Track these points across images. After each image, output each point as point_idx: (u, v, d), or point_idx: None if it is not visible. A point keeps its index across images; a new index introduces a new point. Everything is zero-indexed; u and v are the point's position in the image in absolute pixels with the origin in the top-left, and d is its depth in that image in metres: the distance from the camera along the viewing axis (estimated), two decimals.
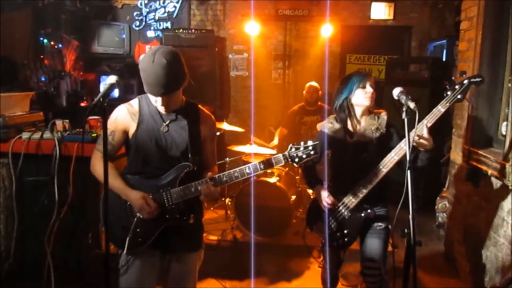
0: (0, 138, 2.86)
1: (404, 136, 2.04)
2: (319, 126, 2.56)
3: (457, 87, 2.15)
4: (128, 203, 2.03)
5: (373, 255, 2.40)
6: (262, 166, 2.04)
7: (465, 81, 2.15)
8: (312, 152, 2.01)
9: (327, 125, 2.49)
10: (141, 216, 2.02)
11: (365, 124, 2.41)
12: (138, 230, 2.02)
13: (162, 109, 2.00)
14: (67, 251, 2.86)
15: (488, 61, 3.26)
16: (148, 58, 1.88)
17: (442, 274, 3.69)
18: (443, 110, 2.16)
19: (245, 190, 4.23)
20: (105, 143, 1.75)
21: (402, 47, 6.49)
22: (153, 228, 2.04)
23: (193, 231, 2.19)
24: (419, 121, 2.18)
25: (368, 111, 2.43)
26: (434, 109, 2.17)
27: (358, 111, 2.41)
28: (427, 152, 2.22)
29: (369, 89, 2.35)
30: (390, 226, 2.40)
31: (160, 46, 1.94)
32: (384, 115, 2.43)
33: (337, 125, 2.46)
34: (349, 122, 2.44)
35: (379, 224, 2.40)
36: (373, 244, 2.40)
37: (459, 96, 2.15)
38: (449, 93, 2.17)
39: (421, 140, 2.15)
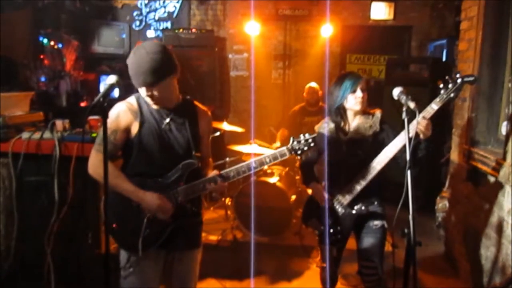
0: (0, 138, 2.86)
1: (398, 133, 2.09)
2: (317, 128, 2.61)
3: (450, 85, 2.18)
4: (135, 204, 2.01)
5: (370, 254, 2.43)
6: (268, 160, 2.07)
7: (458, 80, 2.17)
8: (312, 144, 2.08)
9: (324, 126, 2.55)
10: (150, 217, 2.01)
11: (359, 122, 2.45)
12: (147, 231, 2.01)
13: (150, 102, 1.99)
14: (67, 251, 2.85)
15: (488, 61, 3.26)
16: (132, 53, 1.92)
17: (442, 274, 3.69)
18: (436, 107, 2.18)
19: (245, 190, 4.23)
20: (105, 143, 1.74)
21: (402, 47, 6.49)
22: (163, 228, 2.04)
23: (195, 227, 2.21)
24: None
25: (362, 111, 2.47)
26: (427, 107, 2.20)
27: (351, 113, 2.47)
28: (424, 141, 2.24)
29: (359, 93, 2.39)
30: (386, 225, 2.42)
31: (146, 41, 1.97)
32: (378, 114, 2.46)
33: (332, 125, 2.51)
34: (343, 122, 2.49)
35: (375, 223, 2.43)
36: (369, 243, 2.43)
37: (452, 95, 2.17)
38: (442, 91, 2.19)
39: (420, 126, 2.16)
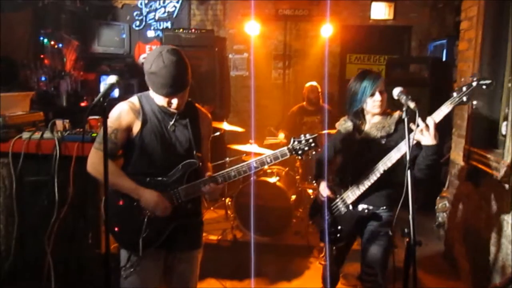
0: (0, 138, 2.86)
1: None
2: (337, 125, 2.56)
3: (464, 88, 2.06)
4: (135, 203, 2.01)
5: (371, 262, 2.38)
6: (269, 160, 2.07)
7: (474, 83, 2.05)
8: (313, 144, 2.06)
9: (340, 123, 2.52)
10: (150, 216, 2.01)
11: (374, 123, 2.39)
12: (148, 230, 2.02)
13: (175, 107, 1.98)
14: (67, 251, 2.86)
15: (488, 61, 3.26)
16: (157, 61, 1.86)
17: (442, 274, 3.69)
18: (447, 110, 2.09)
19: (245, 190, 4.23)
20: (105, 142, 1.74)
21: (402, 47, 6.49)
22: (163, 227, 2.04)
23: (196, 228, 2.22)
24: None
25: (382, 112, 2.38)
26: (437, 110, 2.10)
27: (369, 115, 2.41)
28: (430, 149, 2.10)
29: (377, 97, 2.31)
30: (390, 233, 2.32)
31: (162, 47, 1.93)
32: (396, 115, 2.37)
33: (349, 123, 2.47)
34: (360, 122, 2.44)
35: (379, 229, 2.36)
36: (371, 250, 2.38)
37: (464, 98, 2.05)
38: (454, 94, 2.08)
39: (425, 132, 2.06)
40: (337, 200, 2.46)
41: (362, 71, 2.44)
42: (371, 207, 2.38)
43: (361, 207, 2.39)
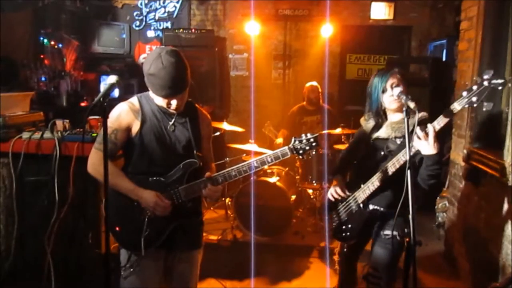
0: (0, 138, 2.86)
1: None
2: (361, 121, 2.53)
3: (474, 88, 1.90)
4: (136, 203, 2.02)
5: (376, 264, 2.38)
6: (269, 159, 2.06)
7: (485, 83, 1.87)
8: (314, 143, 2.06)
9: (362, 120, 2.49)
10: (151, 215, 2.01)
11: (392, 122, 2.33)
12: (149, 230, 2.02)
13: (174, 108, 1.99)
14: (67, 251, 2.86)
15: (488, 61, 3.26)
16: (156, 63, 1.87)
17: (442, 274, 3.69)
18: (454, 111, 1.99)
19: (245, 190, 4.23)
20: (105, 142, 1.74)
21: (402, 47, 6.49)
22: (164, 227, 2.05)
23: (196, 228, 2.22)
24: (423, 122, 2.08)
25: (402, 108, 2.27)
26: (444, 111, 2.00)
27: (390, 113, 2.35)
28: (430, 159, 2.06)
29: (389, 92, 2.24)
30: (398, 236, 2.24)
31: (161, 48, 1.93)
32: (416, 116, 2.07)
33: (370, 121, 2.42)
34: (380, 120, 2.39)
35: (385, 232, 2.33)
36: (377, 253, 2.36)
37: (474, 99, 1.90)
38: (464, 93, 1.93)
39: (423, 140, 2.01)
40: (349, 198, 2.45)
41: (378, 70, 2.40)
42: (381, 208, 2.36)
43: (371, 207, 2.37)
